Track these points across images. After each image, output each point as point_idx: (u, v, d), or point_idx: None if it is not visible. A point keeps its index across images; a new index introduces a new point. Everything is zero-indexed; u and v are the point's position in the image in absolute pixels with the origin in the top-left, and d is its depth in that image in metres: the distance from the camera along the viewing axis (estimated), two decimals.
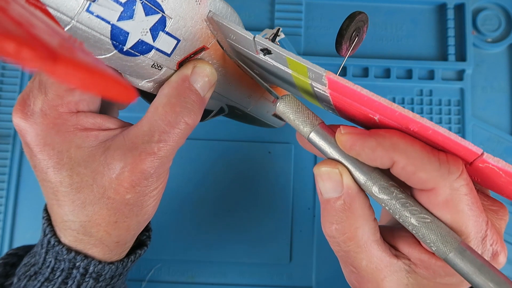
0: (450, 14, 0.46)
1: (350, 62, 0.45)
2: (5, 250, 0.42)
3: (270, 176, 0.44)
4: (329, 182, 0.20)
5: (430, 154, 0.18)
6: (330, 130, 0.21)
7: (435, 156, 0.18)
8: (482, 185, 0.21)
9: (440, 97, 0.45)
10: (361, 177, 0.20)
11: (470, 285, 0.21)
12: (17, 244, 0.42)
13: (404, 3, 0.47)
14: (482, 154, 0.17)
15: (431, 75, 0.46)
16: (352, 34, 0.23)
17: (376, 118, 0.19)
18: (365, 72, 0.46)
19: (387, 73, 0.45)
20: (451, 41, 0.46)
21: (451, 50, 0.46)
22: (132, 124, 0.24)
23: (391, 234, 0.22)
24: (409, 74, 0.46)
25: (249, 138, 0.44)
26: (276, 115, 0.34)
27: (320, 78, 0.19)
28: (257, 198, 0.43)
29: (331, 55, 0.46)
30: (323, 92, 0.20)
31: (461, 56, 0.46)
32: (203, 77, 0.23)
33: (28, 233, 0.43)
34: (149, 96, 0.25)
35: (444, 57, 0.46)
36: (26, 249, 0.29)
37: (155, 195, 0.24)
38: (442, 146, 0.18)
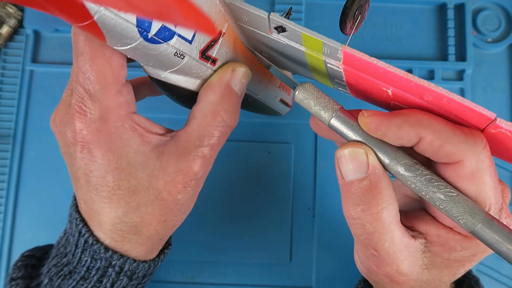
0: (450, 14, 0.46)
1: None
2: (5, 250, 0.42)
3: (270, 176, 0.43)
4: (354, 163, 0.20)
5: (454, 127, 0.19)
6: (350, 115, 0.21)
7: (459, 129, 0.19)
8: (493, 153, 0.22)
9: None
10: (385, 158, 0.20)
11: (479, 260, 0.22)
12: (17, 244, 0.42)
13: (404, 3, 0.47)
14: (495, 119, 0.18)
15: (431, 75, 0.46)
16: (356, 12, 0.23)
17: (389, 91, 0.20)
18: None
19: None
20: (451, 41, 0.46)
21: (451, 50, 0.46)
22: (173, 130, 0.25)
23: (406, 216, 0.23)
24: None
25: (249, 138, 0.44)
26: (282, 101, 0.34)
27: (335, 53, 0.19)
28: (257, 198, 0.43)
29: None
30: (336, 68, 0.21)
31: (461, 56, 0.46)
32: (241, 79, 0.25)
33: (28, 233, 0.43)
34: (173, 92, 0.25)
35: (444, 57, 0.46)
36: (41, 251, 0.30)
37: (197, 193, 0.26)
38: (456, 113, 0.19)
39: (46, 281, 0.26)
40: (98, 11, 0.17)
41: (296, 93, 0.22)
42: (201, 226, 0.43)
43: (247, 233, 0.43)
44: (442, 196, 0.19)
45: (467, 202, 0.19)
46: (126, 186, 0.23)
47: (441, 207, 0.20)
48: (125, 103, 0.23)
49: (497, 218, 0.20)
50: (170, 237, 0.30)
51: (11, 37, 0.45)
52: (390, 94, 0.20)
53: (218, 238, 0.42)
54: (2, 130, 0.44)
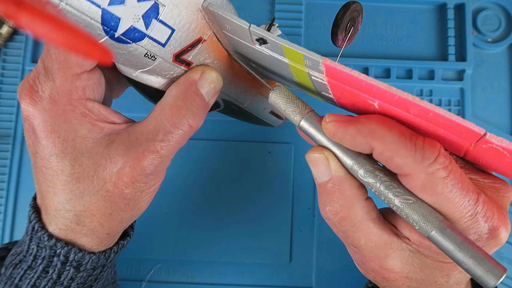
0: (450, 14, 0.46)
1: (350, 62, 0.45)
2: None
3: (270, 176, 0.43)
4: (319, 167, 0.22)
5: (407, 139, 0.19)
6: (319, 118, 0.22)
7: (412, 141, 0.19)
8: (486, 167, 0.22)
9: (440, 97, 0.45)
10: (348, 162, 0.21)
11: None
12: None
13: (404, 3, 0.47)
14: (485, 134, 0.17)
15: (431, 75, 0.46)
16: (347, 24, 0.23)
17: (375, 104, 0.19)
18: (365, 72, 0.45)
19: (387, 73, 0.45)
20: (451, 41, 0.46)
21: (451, 50, 0.45)
22: (135, 121, 0.24)
23: (393, 216, 0.23)
24: (409, 74, 0.46)
25: (249, 138, 0.44)
26: (273, 113, 0.34)
27: (317, 65, 0.19)
28: (257, 198, 0.43)
29: (332, 55, 0.46)
30: (321, 81, 0.20)
31: (461, 56, 0.46)
32: (210, 83, 0.24)
33: None
34: (145, 91, 0.25)
35: (444, 57, 0.46)
36: (15, 243, 0.29)
37: (151, 192, 0.24)
38: (444, 128, 0.18)
39: (3, 270, 0.26)
40: (58, 5, 0.17)
41: (270, 95, 0.22)
42: (201, 226, 0.43)
43: (247, 233, 0.43)
44: (398, 203, 0.20)
45: (423, 209, 0.19)
46: (70, 172, 0.22)
47: (398, 212, 0.20)
48: (81, 88, 0.22)
49: (471, 224, 0.20)
50: (132, 227, 0.29)
51: (11, 37, 0.45)
52: (377, 107, 0.20)
53: (218, 238, 0.42)
54: (2, 130, 0.44)
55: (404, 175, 0.19)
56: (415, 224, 0.19)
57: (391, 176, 0.20)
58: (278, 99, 0.22)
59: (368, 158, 0.21)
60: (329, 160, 0.21)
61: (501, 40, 0.46)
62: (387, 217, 0.23)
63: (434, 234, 0.19)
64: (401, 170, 0.19)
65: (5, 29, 0.44)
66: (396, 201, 0.20)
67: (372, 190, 0.21)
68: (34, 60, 0.45)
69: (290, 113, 0.22)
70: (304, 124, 0.22)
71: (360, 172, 0.21)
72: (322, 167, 0.21)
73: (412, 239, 0.22)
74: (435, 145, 0.19)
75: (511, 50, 0.46)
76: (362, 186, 0.22)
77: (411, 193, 0.20)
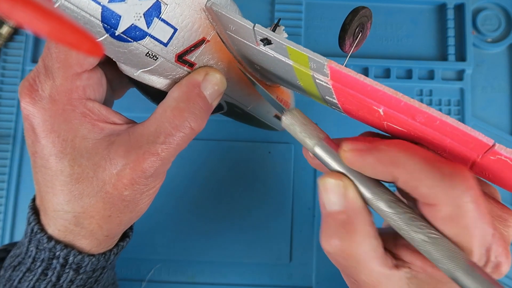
0: (450, 14, 0.46)
1: (350, 62, 0.45)
2: None
3: (270, 176, 0.43)
4: (334, 195, 0.20)
5: (432, 166, 0.17)
6: (334, 145, 0.21)
7: (438, 169, 0.17)
8: (493, 181, 0.21)
9: (440, 97, 0.45)
10: (366, 192, 0.19)
11: None
12: None
13: (404, 3, 0.47)
14: (494, 145, 0.16)
15: (431, 75, 0.46)
16: (356, 29, 0.23)
17: (380, 110, 0.18)
18: (365, 72, 0.46)
19: (387, 73, 0.46)
20: (451, 41, 0.46)
21: (451, 50, 0.46)
22: (136, 122, 0.24)
23: (394, 241, 0.22)
24: (409, 74, 0.46)
25: (249, 138, 0.44)
26: (277, 116, 0.34)
27: (321, 68, 0.18)
28: (257, 198, 0.43)
29: (332, 55, 0.45)
30: (325, 84, 0.20)
31: (461, 56, 0.46)
32: (213, 85, 0.23)
33: None
34: (147, 91, 0.24)
35: (444, 57, 0.46)
36: (15, 245, 0.29)
37: (151, 194, 0.24)
38: (451, 137, 0.17)
39: (2, 272, 0.26)
40: (57, 1, 0.17)
41: (283, 118, 0.21)
42: (201, 226, 0.43)
43: (247, 233, 0.43)
44: (423, 237, 0.18)
45: (448, 246, 0.18)
46: (69, 172, 0.22)
47: (421, 248, 0.19)
48: (81, 88, 0.22)
49: (483, 259, 0.19)
50: (131, 228, 0.29)
51: (11, 37, 0.45)
52: (382, 113, 0.19)
53: (218, 238, 0.42)
54: (2, 130, 0.44)
55: (429, 204, 0.18)
56: (439, 262, 0.18)
57: (412, 208, 0.19)
58: (292, 123, 0.21)
59: (386, 187, 0.19)
60: (346, 189, 0.19)
61: (501, 40, 0.46)
62: (387, 243, 0.22)
63: (460, 274, 0.18)
64: (427, 199, 0.18)
65: (5, 29, 0.44)
66: (421, 235, 0.18)
67: (391, 223, 0.19)
68: (35, 60, 0.45)
69: (305, 138, 0.21)
70: (318, 150, 0.21)
71: (380, 203, 0.19)
72: (337, 196, 0.20)
73: (414, 265, 0.20)
74: (464, 173, 0.17)
75: (511, 50, 0.46)
76: (373, 223, 0.21)
77: (433, 227, 0.18)
